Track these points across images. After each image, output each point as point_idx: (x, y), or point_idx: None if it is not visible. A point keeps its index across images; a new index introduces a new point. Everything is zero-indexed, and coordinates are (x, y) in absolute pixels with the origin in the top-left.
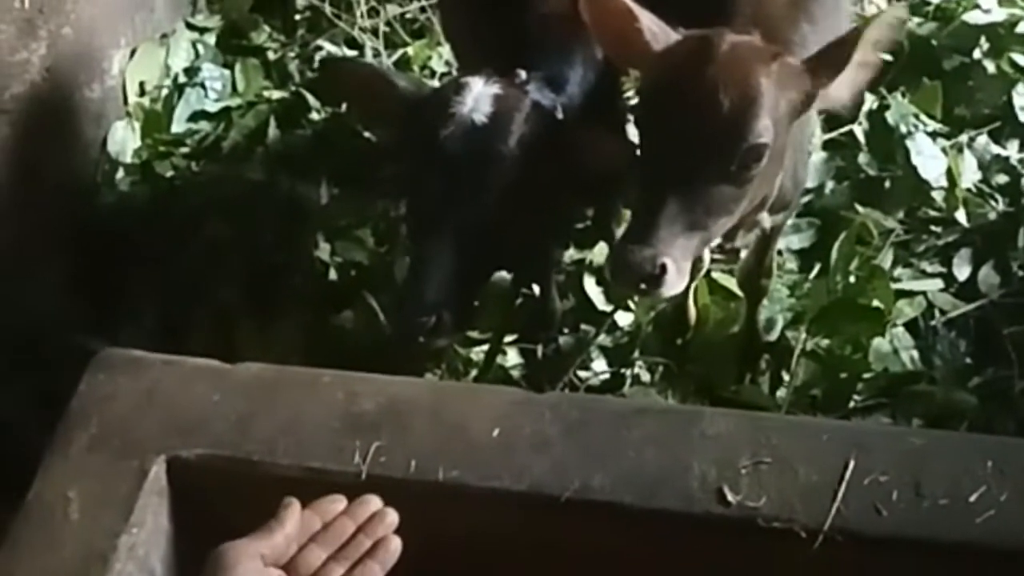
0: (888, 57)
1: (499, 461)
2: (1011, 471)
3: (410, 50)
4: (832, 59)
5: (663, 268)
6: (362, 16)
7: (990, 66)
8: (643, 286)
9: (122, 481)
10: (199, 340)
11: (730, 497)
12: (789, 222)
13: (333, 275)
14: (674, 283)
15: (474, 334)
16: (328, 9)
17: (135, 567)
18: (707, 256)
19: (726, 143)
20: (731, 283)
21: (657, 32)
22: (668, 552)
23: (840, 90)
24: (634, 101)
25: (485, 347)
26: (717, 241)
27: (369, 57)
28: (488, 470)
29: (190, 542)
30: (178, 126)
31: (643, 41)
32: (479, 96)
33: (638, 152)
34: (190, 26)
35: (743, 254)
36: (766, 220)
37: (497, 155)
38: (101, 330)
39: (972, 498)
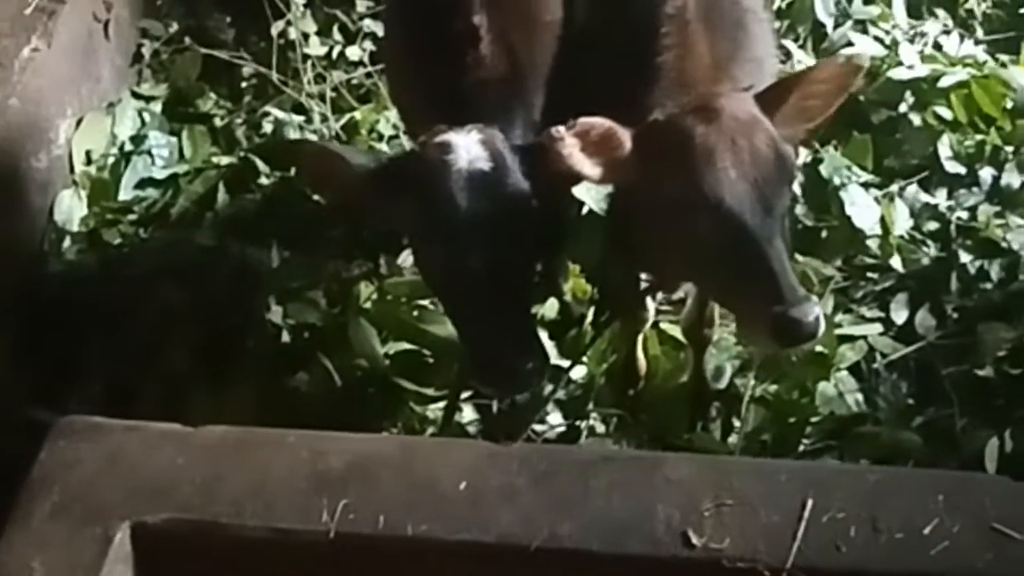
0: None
1: (468, 514)
2: (962, 504)
3: (357, 115)
4: (769, 101)
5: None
6: (309, 82)
7: (916, 119)
8: (813, 336)
9: (86, 549)
10: (150, 407)
11: (695, 540)
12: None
13: (286, 337)
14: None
15: (429, 391)
16: (275, 76)
17: None
18: (652, 309)
19: (787, 175)
20: (679, 334)
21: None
22: None
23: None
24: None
25: (441, 404)
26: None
27: (317, 122)
28: (457, 523)
29: None
30: (125, 194)
31: (622, 148)
32: (467, 146)
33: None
34: (136, 95)
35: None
36: None
37: (515, 191)
38: (48, 400)
39: (926, 531)
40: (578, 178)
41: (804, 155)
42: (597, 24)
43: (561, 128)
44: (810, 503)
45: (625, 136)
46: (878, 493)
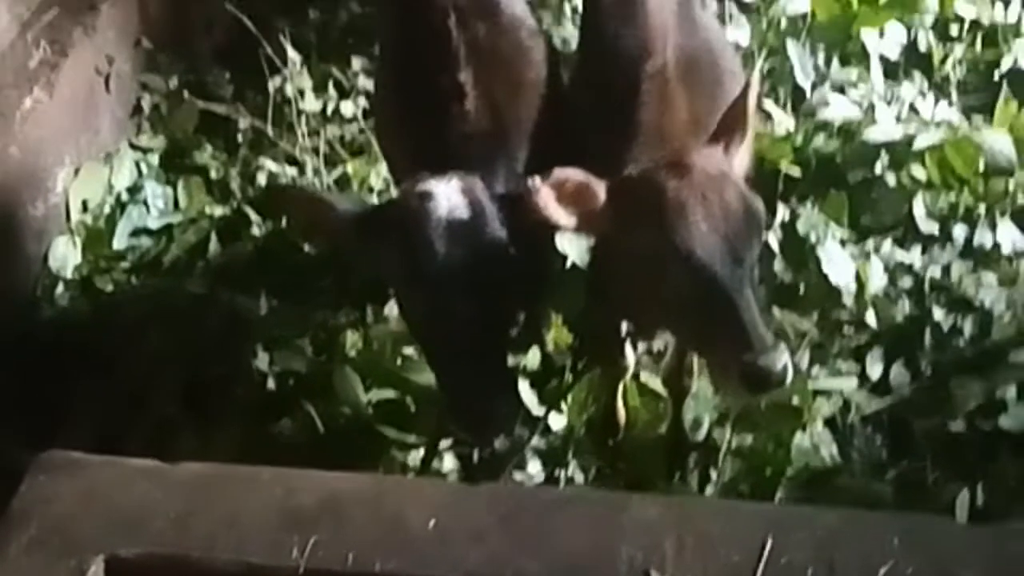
0: (796, 172)
1: (436, 552)
2: (918, 545)
3: (349, 168)
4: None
5: (785, 357)
6: (303, 136)
7: (891, 179)
8: (780, 381)
9: None
10: (136, 451)
11: None
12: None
13: (272, 384)
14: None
15: (410, 438)
16: (270, 130)
17: None
18: (632, 358)
19: (758, 227)
20: (659, 385)
21: (598, 184)
22: None
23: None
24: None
25: (420, 451)
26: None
27: (310, 175)
28: (425, 561)
29: None
30: (120, 242)
31: (597, 199)
32: (447, 195)
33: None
34: (134, 146)
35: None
36: None
37: (493, 239)
38: (36, 443)
39: (882, 572)
40: (556, 227)
41: (782, 212)
42: (581, 82)
43: (537, 179)
44: (769, 543)
45: (600, 188)
46: (836, 534)
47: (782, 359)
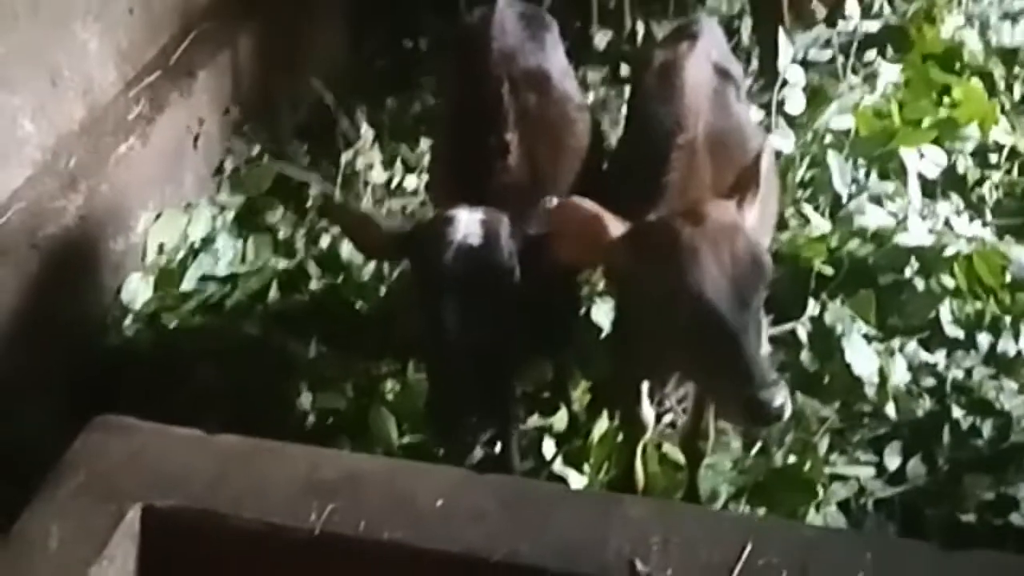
0: (829, 271)
1: (439, 527)
2: (889, 563)
3: None
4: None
5: (785, 393)
6: (369, 204)
7: (920, 284)
8: (779, 416)
9: (100, 522)
10: None
11: (640, 568)
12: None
13: (311, 419)
14: (788, 407)
15: None
16: (338, 196)
17: None
18: (652, 416)
19: (763, 274)
20: (679, 455)
21: (616, 223)
22: None
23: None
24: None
25: None
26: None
27: None
28: (428, 534)
29: None
30: (188, 285)
31: (607, 235)
32: (468, 223)
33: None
34: (212, 202)
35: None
36: None
37: (496, 268)
38: None
39: None
40: (577, 269)
41: (812, 307)
42: (621, 150)
43: (554, 198)
44: (749, 547)
45: (612, 223)
46: (813, 546)
47: (781, 395)
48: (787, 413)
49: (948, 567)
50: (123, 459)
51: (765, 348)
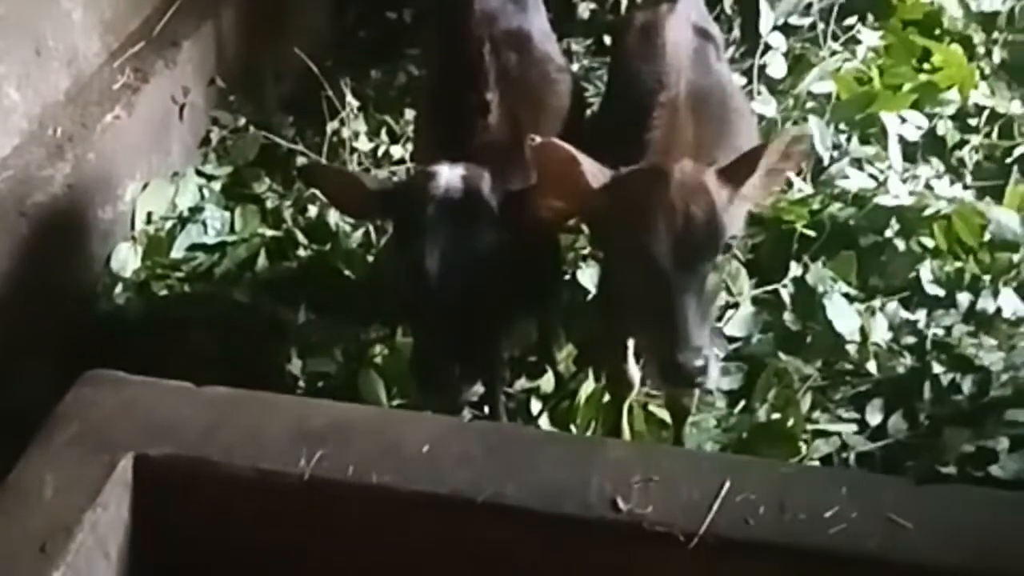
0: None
1: (425, 471)
2: (863, 496)
3: None
4: (739, 170)
5: (706, 361)
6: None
7: (900, 244)
8: (698, 380)
9: (93, 471)
10: None
11: (622, 506)
12: (719, 364)
13: (301, 384)
14: (716, 373)
15: None
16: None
17: (94, 542)
18: (637, 377)
19: (712, 243)
20: (664, 414)
21: (596, 172)
22: (568, 552)
23: (752, 192)
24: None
25: None
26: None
27: None
28: (415, 477)
29: (148, 538)
30: (177, 254)
31: (584, 181)
32: (449, 178)
33: (618, 274)
34: (199, 172)
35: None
36: None
37: (478, 220)
38: None
39: (827, 515)
40: (558, 224)
41: (795, 268)
42: (604, 109)
43: (537, 137)
44: (727, 484)
45: (589, 167)
46: (789, 482)
47: (700, 360)
48: (709, 382)
49: (918, 498)
50: (115, 410)
51: (703, 315)
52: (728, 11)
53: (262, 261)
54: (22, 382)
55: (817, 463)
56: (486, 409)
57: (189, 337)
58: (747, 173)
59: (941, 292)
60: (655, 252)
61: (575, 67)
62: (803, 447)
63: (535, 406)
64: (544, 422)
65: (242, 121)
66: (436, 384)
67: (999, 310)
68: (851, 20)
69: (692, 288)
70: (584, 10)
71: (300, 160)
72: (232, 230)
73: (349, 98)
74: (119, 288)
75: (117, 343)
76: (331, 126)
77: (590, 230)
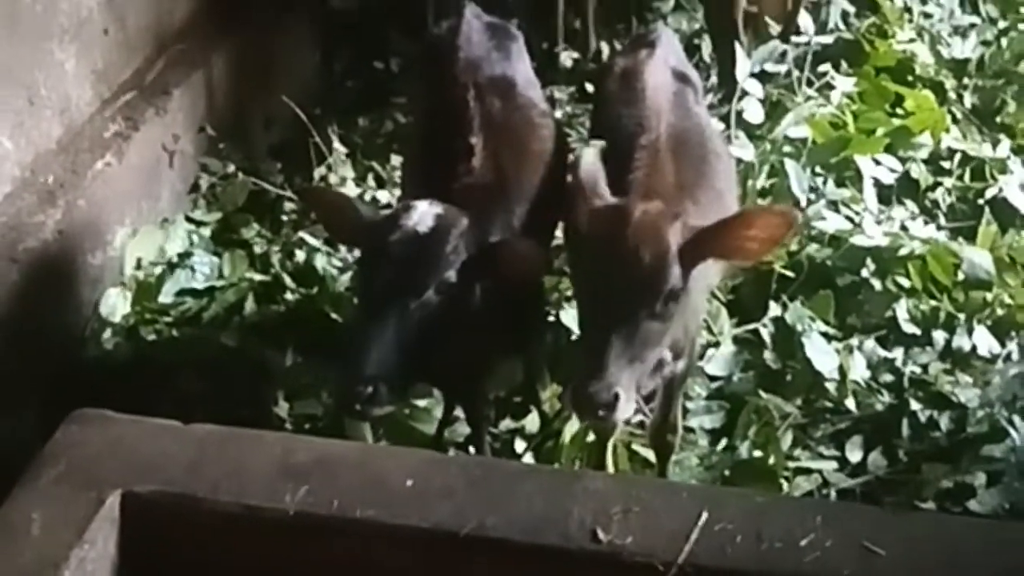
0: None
1: (409, 504)
2: (838, 524)
3: None
4: (713, 237)
5: (616, 397)
6: None
7: (877, 284)
8: (601, 413)
9: (80, 508)
10: None
11: (602, 536)
12: (701, 403)
13: (288, 427)
14: (625, 409)
15: None
16: (313, 213)
17: None
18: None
19: (652, 288)
20: (648, 453)
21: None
22: None
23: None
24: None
25: None
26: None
27: (344, 251)
28: (399, 511)
29: (135, 574)
30: (165, 299)
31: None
32: (423, 213)
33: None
34: (188, 219)
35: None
36: (668, 358)
37: (434, 256)
38: None
39: (803, 543)
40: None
41: (774, 307)
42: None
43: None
44: (704, 514)
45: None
46: (765, 512)
47: (608, 395)
48: (615, 416)
49: (891, 526)
50: (102, 448)
51: (631, 355)
52: (706, 58)
53: (250, 305)
54: (11, 424)
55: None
56: (472, 449)
57: (176, 381)
58: (718, 238)
59: (917, 330)
60: (591, 283)
61: (558, 113)
62: (784, 484)
63: (519, 446)
64: (528, 460)
65: (231, 168)
66: (349, 395)
67: (974, 348)
68: (825, 67)
69: (621, 325)
70: (566, 59)
71: (288, 206)
72: (220, 275)
73: (336, 144)
74: (108, 333)
75: (105, 387)
76: (319, 172)
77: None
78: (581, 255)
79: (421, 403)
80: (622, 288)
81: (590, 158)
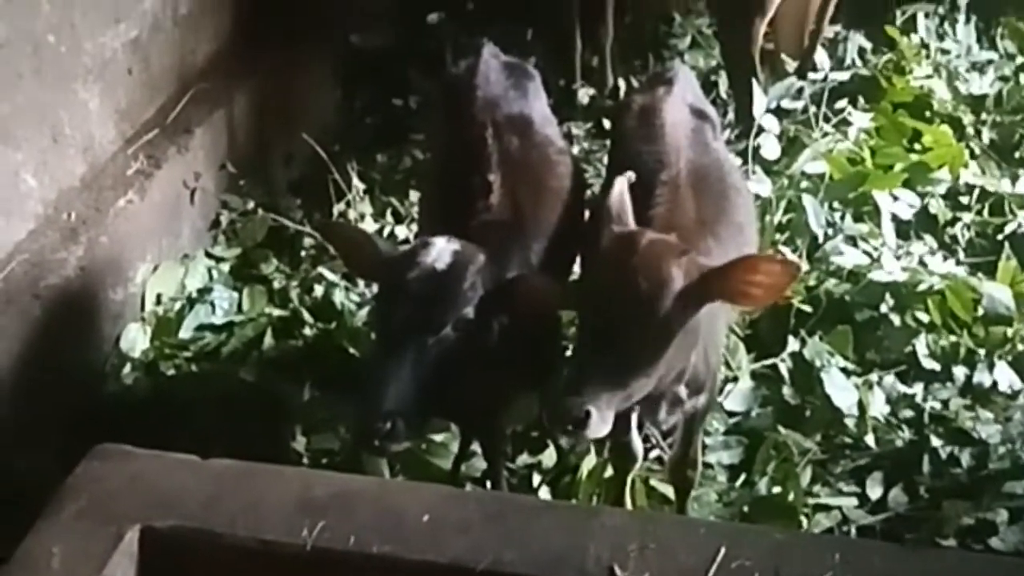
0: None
1: (426, 540)
2: (857, 562)
3: None
4: (713, 284)
5: (587, 414)
6: None
7: (896, 319)
8: (570, 428)
9: (100, 543)
10: None
11: (619, 573)
12: (720, 439)
13: (306, 462)
14: (597, 428)
15: None
16: (331, 247)
17: None
18: (640, 450)
19: (645, 316)
20: (667, 489)
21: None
22: None
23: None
24: None
25: None
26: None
27: (362, 286)
28: (416, 547)
29: None
30: (185, 334)
31: None
32: (441, 250)
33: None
34: (209, 255)
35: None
36: (684, 394)
37: (451, 293)
38: None
39: None
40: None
41: (792, 342)
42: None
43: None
44: (723, 551)
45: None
46: (783, 549)
47: (579, 410)
48: (587, 433)
49: (909, 562)
50: (122, 483)
51: (613, 377)
52: (723, 95)
53: (268, 340)
54: (33, 458)
55: None
56: (488, 484)
57: (195, 415)
58: (725, 279)
59: (937, 366)
60: (590, 303)
61: (575, 149)
62: (804, 521)
63: (536, 481)
64: (545, 495)
65: (251, 204)
66: (367, 432)
67: (995, 383)
68: (842, 103)
69: (608, 348)
70: (584, 95)
71: (307, 241)
72: (240, 310)
73: (355, 181)
74: (127, 368)
75: (125, 422)
76: (338, 208)
77: None
78: (586, 275)
79: (438, 438)
80: (616, 312)
81: (620, 187)
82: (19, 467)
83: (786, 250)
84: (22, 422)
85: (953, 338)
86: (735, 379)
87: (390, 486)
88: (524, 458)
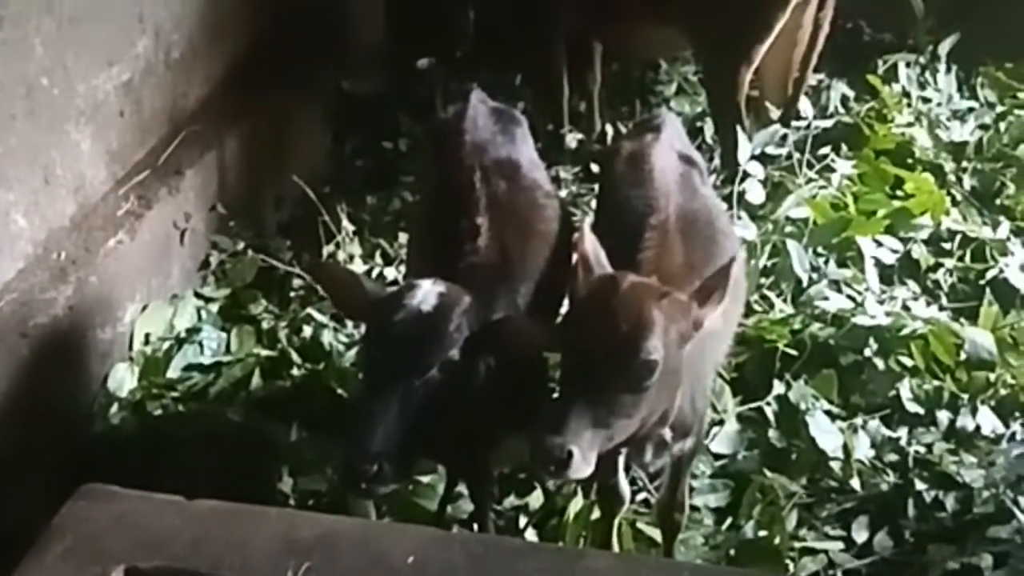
0: (793, 352)
1: None
2: None
3: None
4: (710, 292)
5: (570, 455)
6: None
7: (880, 363)
8: (552, 468)
9: None
10: None
11: None
12: (706, 481)
13: (292, 503)
14: (579, 468)
15: None
16: (320, 288)
17: None
18: (627, 491)
19: (622, 358)
20: (654, 532)
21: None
22: None
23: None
24: None
25: None
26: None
27: (351, 327)
28: None
29: None
30: (173, 374)
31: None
32: (427, 292)
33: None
34: (198, 295)
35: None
36: (669, 437)
37: (437, 335)
38: None
39: None
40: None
41: (777, 386)
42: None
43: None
44: None
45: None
46: None
47: (561, 451)
48: (569, 473)
49: None
50: (108, 523)
51: (597, 419)
52: (709, 141)
53: (256, 380)
54: (18, 498)
55: None
56: (475, 526)
57: (181, 456)
58: (717, 300)
59: (921, 410)
60: (572, 345)
61: (563, 193)
62: (790, 564)
63: (523, 523)
64: (532, 537)
65: (241, 245)
66: (353, 475)
67: (978, 427)
68: (825, 150)
69: (591, 389)
70: (571, 140)
71: (296, 282)
72: (228, 350)
73: (345, 222)
74: (115, 408)
75: (112, 462)
76: (327, 249)
77: None
78: (569, 317)
79: (424, 479)
80: (597, 354)
81: (587, 233)
82: (4, 506)
83: (771, 293)
84: (8, 461)
85: (936, 382)
86: (721, 422)
87: (375, 528)
88: (511, 500)
